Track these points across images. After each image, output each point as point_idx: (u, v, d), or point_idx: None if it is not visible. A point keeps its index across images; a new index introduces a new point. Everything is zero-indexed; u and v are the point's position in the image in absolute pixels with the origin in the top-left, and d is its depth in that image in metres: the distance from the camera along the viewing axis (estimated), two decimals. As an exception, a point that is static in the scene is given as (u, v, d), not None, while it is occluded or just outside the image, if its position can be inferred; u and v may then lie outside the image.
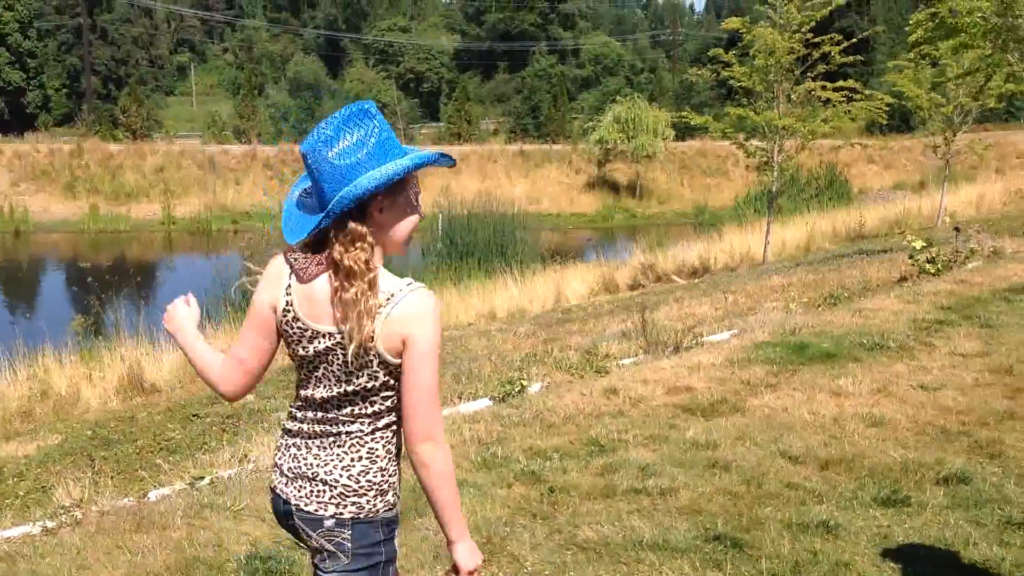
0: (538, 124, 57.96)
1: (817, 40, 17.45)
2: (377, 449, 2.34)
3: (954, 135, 19.17)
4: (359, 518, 2.32)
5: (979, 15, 14.54)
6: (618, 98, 44.36)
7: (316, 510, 2.33)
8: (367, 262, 2.22)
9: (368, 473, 2.32)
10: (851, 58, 18.12)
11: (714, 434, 5.58)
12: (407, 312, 2.23)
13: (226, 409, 8.09)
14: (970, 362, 7.01)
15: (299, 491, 2.36)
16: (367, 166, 2.23)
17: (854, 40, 18.39)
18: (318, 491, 2.33)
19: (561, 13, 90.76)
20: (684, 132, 42.18)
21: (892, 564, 4.09)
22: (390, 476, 2.36)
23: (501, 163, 44.45)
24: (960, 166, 36.30)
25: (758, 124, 17.80)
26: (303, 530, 2.37)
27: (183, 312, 2.55)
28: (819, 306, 9.55)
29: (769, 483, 4.91)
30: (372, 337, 2.22)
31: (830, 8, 17.37)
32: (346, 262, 2.20)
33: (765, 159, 17.93)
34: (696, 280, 18.26)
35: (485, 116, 69.23)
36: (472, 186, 35.88)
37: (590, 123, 45.75)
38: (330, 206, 2.22)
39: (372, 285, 2.22)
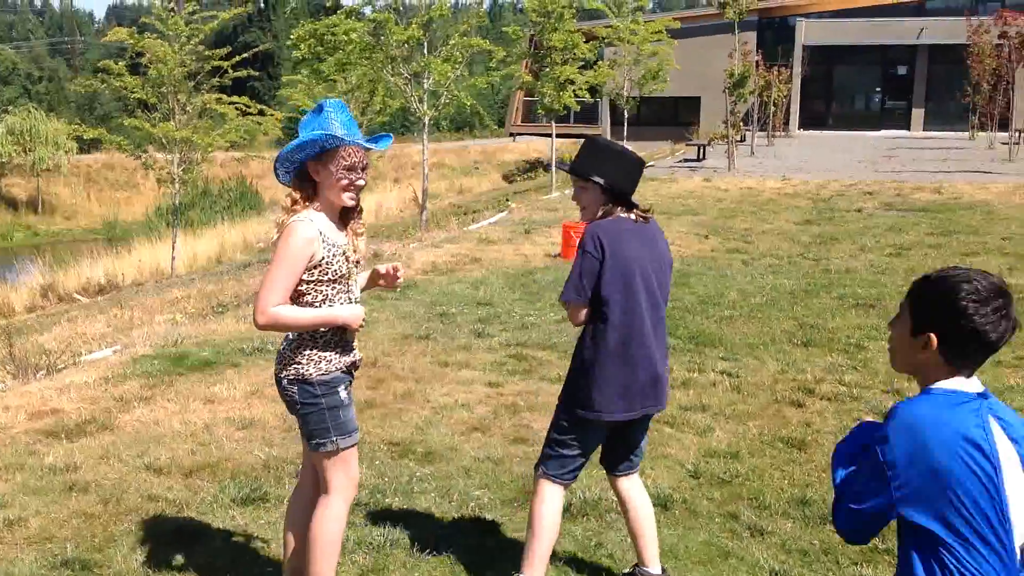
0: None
1: (209, 54, 17.58)
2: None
3: (349, 147, 20.30)
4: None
5: (355, 35, 15.68)
6: (11, 108, 40.83)
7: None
8: (292, 200, 3.37)
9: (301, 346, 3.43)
10: (245, 72, 18.52)
11: (77, 456, 5.34)
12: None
13: None
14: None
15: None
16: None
17: (246, 55, 18.79)
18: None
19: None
20: (90, 144, 40.00)
21: (247, 564, 4.25)
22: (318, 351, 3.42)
23: None
24: (362, 177, 38.77)
25: (156, 136, 17.43)
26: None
27: None
28: (207, 316, 9.58)
29: (130, 499, 4.82)
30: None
31: (217, 25, 17.55)
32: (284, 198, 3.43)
33: (167, 171, 17.62)
34: (100, 298, 17.46)
35: None
36: None
37: (-21, 135, 41.60)
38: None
39: (287, 212, 3.37)
